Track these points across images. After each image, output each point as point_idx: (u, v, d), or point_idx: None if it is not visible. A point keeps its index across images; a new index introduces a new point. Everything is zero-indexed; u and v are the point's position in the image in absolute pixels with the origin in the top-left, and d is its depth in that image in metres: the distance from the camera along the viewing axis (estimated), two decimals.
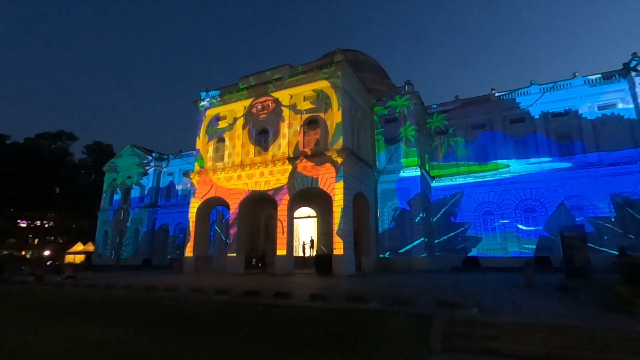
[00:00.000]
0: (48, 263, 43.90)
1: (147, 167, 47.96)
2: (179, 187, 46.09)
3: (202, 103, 31.93)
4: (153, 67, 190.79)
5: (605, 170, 26.55)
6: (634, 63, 26.70)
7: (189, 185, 35.98)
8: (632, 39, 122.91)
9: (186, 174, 31.99)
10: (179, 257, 33.97)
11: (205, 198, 29.06)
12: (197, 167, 30.67)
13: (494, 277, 19.87)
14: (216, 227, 38.06)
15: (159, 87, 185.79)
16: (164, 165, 48.00)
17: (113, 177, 50.39)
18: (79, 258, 52.52)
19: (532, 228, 28.34)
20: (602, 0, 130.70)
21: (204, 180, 29.34)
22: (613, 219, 25.84)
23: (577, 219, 26.27)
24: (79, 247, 55.25)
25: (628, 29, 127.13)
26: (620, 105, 27.56)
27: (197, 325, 10.44)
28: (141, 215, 46.41)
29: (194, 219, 29.13)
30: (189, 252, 28.55)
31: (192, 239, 28.77)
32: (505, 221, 29.18)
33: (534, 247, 27.75)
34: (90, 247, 51.98)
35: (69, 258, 52.67)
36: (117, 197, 49.24)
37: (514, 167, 29.83)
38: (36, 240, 67.82)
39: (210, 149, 30.81)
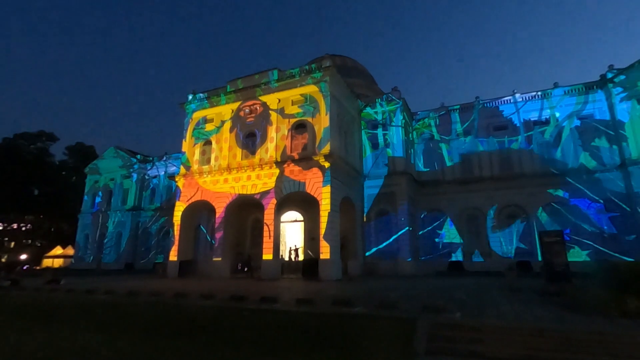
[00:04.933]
0: (24, 267, 42.47)
1: (130, 170, 47.06)
2: (163, 190, 45.36)
3: (189, 105, 31.65)
4: (138, 68, 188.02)
5: (586, 177, 27.42)
6: (610, 75, 27.78)
7: (174, 188, 35.48)
8: (614, 47, 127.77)
9: (171, 176, 31.56)
10: (163, 262, 33.39)
11: (190, 201, 28.72)
12: (182, 169, 30.32)
13: (477, 281, 20.21)
14: (202, 229, 37.60)
15: (144, 89, 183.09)
16: (149, 168, 47.18)
17: (95, 179, 49.24)
18: (58, 262, 51.06)
19: (514, 233, 28.98)
20: (591, 8, 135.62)
21: (189, 183, 29.01)
22: (592, 225, 26.71)
23: (557, 224, 27.02)
24: (58, 250, 53.71)
25: (613, 37, 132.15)
26: (597, 116, 28.58)
27: (181, 330, 10.29)
28: (124, 219, 45.44)
29: (179, 222, 28.72)
30: (173, 256, 28.10)
31: (176, 242, 28.34)
32: (488, 226, 29.74)
33: (516, 252, 28.38)
34: (70, 250, 50.62)
35: (47, 262, 51.13)
36: (99, 199, 48.09)
37: (498, 173, 30.52)
38: (12, 244, 65.48)
39: (197, 151, 30.52)
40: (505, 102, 31.84)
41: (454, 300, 12.29)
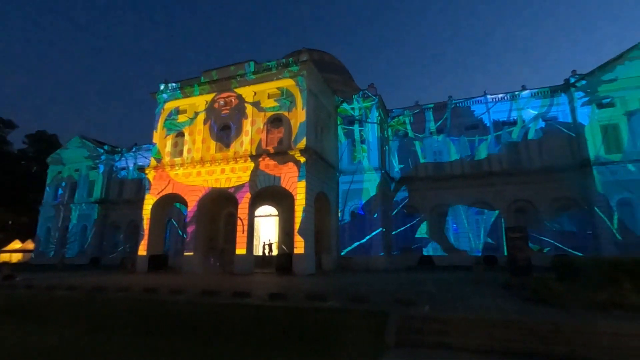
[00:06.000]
0: None
1: (97, 161, 45.06)
2: (132, 183, 43.77)
3: (161, 95, 30.60)
4: (107, 55, 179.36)
5: (549, 176, 28.88)
6: (572, 80, 29.26)
7: (144, 180, 34.33)
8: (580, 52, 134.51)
9: (141, 169, 30.47)
10: (131, 256, 32.34)
11: (161, 194, 27.89)
12: (153, 161, 29.34)
13: (446, 275, 20.90)
14: (174, 223, 36.68)
15: (113, 76, 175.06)
16: (117, 159, 45.34)
17: (58, 170, 46.79)
18: (17, 257, 48.34)
19: (482, 229, 30.16)
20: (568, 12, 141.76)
21: (160, 176, 28.14)
22: (555, 222, 28.24)
23: (521, 221, 28.32)
24: (16, 244, 50.86)
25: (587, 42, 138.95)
26: (561, 118, 30.11)
27: (149, 326, 10.02)
28: (89, 211, 43.52)
29: (149, 216, 27.85)
30: (142, 250, 27.24)
31: (146, 237, 27.49)
32: (458, 221, 30.80)
33: (483, 246, 29.58)
34: (29, 244, 48.03)
35: (4, 257, 48.28)
36: (62, 191, 45.77)
37: (468, 171, 31.58)
38: None
39: (169, 143, 29.61)
40: (477, 102, 32.90)
41: (424, 293, 12.65)
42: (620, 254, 22.41)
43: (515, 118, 31.43)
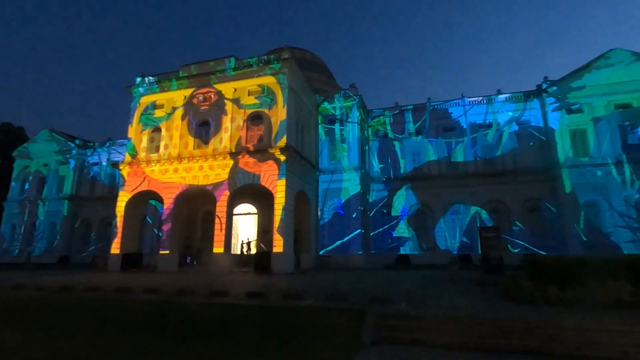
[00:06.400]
0: None
1: (67, 155, 43.27)
2: (105, 179, 42.31)
3: (137, 89, 29.69)
4: (80, 45, 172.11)
5: (521, 178, 29.95)
6: (544, 86, 30.46)
7: (117, 177, 33.26)
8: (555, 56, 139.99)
9: (115, 164, 29.50)
10: (103, 255, 31.28)
11: (136, 191, 27.09)
12: (128, 157, 28.45)
13: (423, 274, 21.32)
14: (149, 221, 35.71)
15: (86, 68, 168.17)
16: (89, 154, 43.70)
17: (25, 164, 44.63)
18: None
19: (457, 228, 30.96)
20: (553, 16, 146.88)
21: (135, 172, 27.32)
22: (526, 221, 29.35)
23: (495, 221, 29.29)
24: None
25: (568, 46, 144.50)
26: (533, 122, 31.29)
27: (122, 327, 9.72)
28: (59, 208, 41.73)
29: (123, 213, 26.99)
30: (115, 249, 26.39)
31: (119, 235, 26.64)
32: (434, 221, 31.48)
33: (460, 246, 30.38)
34: None
35: None
36: (29, 186, 43.68)
37: (445, 171, 32.33)
38: None
39: (145, 138, 28.78)
40: (455, 105, 33.72)
41: (401, 291, 12.86)
42: (586, 253, 23.52)
43: (490, 121, 32.42)
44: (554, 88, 29.82)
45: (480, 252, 17.39)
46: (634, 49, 30.63)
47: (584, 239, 26.57)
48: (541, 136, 30.58)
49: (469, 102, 33.22)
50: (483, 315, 8.97)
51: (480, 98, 33.05)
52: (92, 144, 44.15)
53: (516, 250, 28.18)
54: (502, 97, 32.39)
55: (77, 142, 43.87)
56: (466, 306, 10.11)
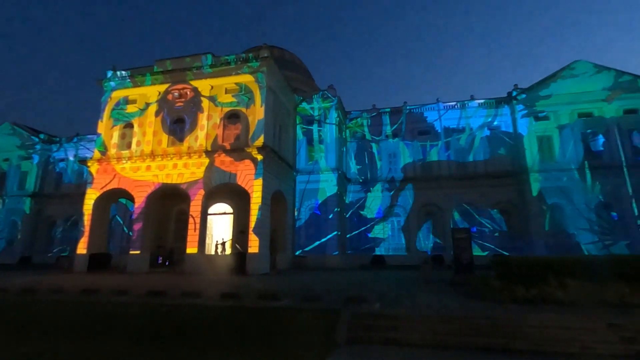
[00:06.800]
0: None
1: (31, 150, 41.09)
2: (72, 176, 40.46)
3: (108, 83, 28.59)
4: (46, 35, 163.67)
5: (491, 181, 31.07)
6: (514, 93, 31.75)
7: (85, 174, 31.87)
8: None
9: (83, 161, 28.26)
10: (69, 255, 29.91)
11: (105, 189, 26.06)
12: (97, 153, 27.33)
13: (397, 274, 21.70)
14: (119, 220, 34.43)
15: (53, 60, 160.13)
16: (55, 150, 41.68)
17: None
18: None
19: (431, 229, 31.72)
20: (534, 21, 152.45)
21: (104, 169, 26.29)
22: (495, 223, 30.44)
23: (467, 223, 30.20)
24: None
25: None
26: (503, 128, 32.54)
27: (88, 330, 9.33)
28: (20, 205, 39.53)
29: (90, 211, 25.90)
30: (82, 248, 25.28)
31: (86, 234, 25.53)
32: (409, 222, 32.11)
33: (433, 247, 31.14)
34: None
35: None
36: None
37: (420, 174, 33.06)
38: None
39: (116, 134, 27.74)
40: (430, 109, 34.55)
41: (375, 291, 13.04)
42: (550, 254, 24.68)
43: (464, 126, 33.44)
44: (523, 96, 31.14)
45: (452, 253, 17.88)
46: (600, 60, 32.33)
47: (550, 239, 27.86)
48: (511, 141, 31.83)
49: (444, 106, 34.13)
50: (452, 314, 9.24)
51: (455, 103, 34.04)
52: (58, 139, 42.12)
53: (485, 253, 29.14)
54: (475, 102, 33.49)
55: (41, 136, 41.74)
56: (438, 305, 10.37)
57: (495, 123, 32.83)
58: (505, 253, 28.02)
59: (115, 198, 28.86)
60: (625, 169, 28.01)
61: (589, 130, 29.71)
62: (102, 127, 27.98)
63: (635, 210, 27.18)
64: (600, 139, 29.63)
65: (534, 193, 28.98)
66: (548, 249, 27.34)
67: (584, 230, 27.62)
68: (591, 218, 27.79)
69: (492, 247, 29.52)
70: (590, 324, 8.25)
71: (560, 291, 10.44)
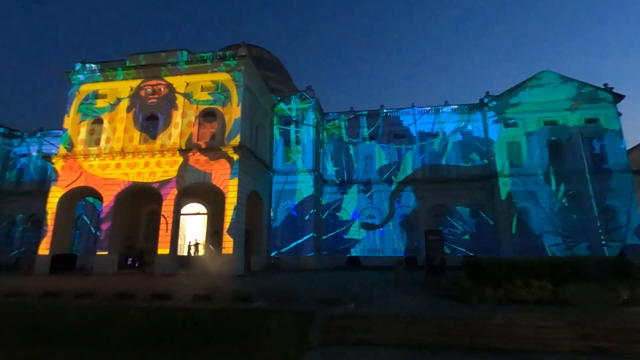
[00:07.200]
0: None
1: None
2: (35, 172, 38.38)
3: (76, 75, 27.35)
4: (8, 24, 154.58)
5: (463, 185, 32.05)
6: (486, 100, 32.93)
7: (49, 171, 30.32)
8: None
9: (47, 157, 26.87)
10: (29, 256, 28.30)
11: (71, 187, 24.87)
12: (62, 150, 26.05)
13: (371, 275, 21.95)
14: (85, 219, 32.94)
15: (14, 49, 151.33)
16: (16, 145, 39.42)
17: None
18: None
19: (405, 231, 32.31)
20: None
21: (70, 166, 25.09)
22: (466, 225, 31.40)
23: (440, 225, 30.98)
24: None
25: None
26: (475, 133, 33.67)
27: (49, 336, 8.86)
28: None
29: (54, 210, 24.64)
30: (44, 249, 23.98)
31: (49, 234, 24.27)
32: (383, 224, 32.59)
33: (406, 248, 31.73)
34: None
35: None
36: None
37: (395, 176, 33.61)
38: None
39: (83, 130, 26.55)
40: (405, 113, 35.25)
41: (350, 292, 13.13)
42: (516, 256, 25.71)
43: (437, 130, 34.33)
44: (494, 103, 32.35)
45: (425, 254, 18.29)
46: (567, 71, 34.01)
47: (517, 241, 29.05)
48: (482, 146, 32.97)
49: (419, 111, 34.91)
50: (423, 314, 9.46)
51: (429, 108, 34.89)
52: (19, 134, 39.87)
53: (458, 255, 29.99)
54: (448, 108, 34.46)
55: (1, 130, 39.36)
56: (410, 305, 10.58)
57: (467, 128, 33.90)
58: (471, 254, 28.92)
59: (81, 196, 27.64)
60: (587, 175, 29.64)
61: (553, 138, 31.22)
62: (68, 122, 26.70)
63: (596, 213, 28.83)
64: (565, 146, 31.21)
65: (503, 196, 30.13)
66: (515, 250, 28.48)
67: (549, 232, 28.99)
68: (555, 221, 29.21)
69: (462, 250, 30.40)
70: (551, 322, 8.66)
71: (525, 290, 10.90)
